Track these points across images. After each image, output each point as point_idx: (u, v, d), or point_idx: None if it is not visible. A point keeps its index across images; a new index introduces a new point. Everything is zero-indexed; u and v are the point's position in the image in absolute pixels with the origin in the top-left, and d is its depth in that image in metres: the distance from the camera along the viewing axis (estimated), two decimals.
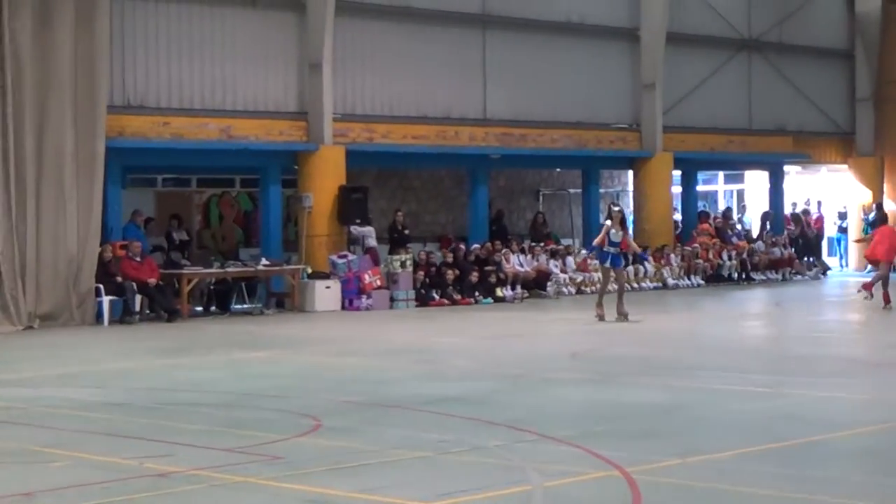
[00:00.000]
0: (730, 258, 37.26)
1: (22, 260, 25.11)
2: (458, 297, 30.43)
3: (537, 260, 33.08)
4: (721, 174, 44.86)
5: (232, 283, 29.17)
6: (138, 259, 26.74)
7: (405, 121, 32.07)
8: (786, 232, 40.38)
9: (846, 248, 43.63)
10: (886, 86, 42.84)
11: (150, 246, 28.63)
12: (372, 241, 30.60)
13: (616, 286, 25.57)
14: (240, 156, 29.79)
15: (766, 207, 41.68)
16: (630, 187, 39.00)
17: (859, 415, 14.00)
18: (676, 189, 39.02)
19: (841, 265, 43.41)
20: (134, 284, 26.34)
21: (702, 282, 35.95)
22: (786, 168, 41.72)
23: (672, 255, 35.59)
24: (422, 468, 11.14)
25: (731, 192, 45.84)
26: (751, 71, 40.22)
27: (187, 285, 27.34)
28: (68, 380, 17.66)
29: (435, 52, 32.68)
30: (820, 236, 41.97)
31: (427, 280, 30.40)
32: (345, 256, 29.68)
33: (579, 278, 33.29)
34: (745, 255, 37.59)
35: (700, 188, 41.72)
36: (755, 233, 40.56)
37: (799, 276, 38.63)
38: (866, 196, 42.75)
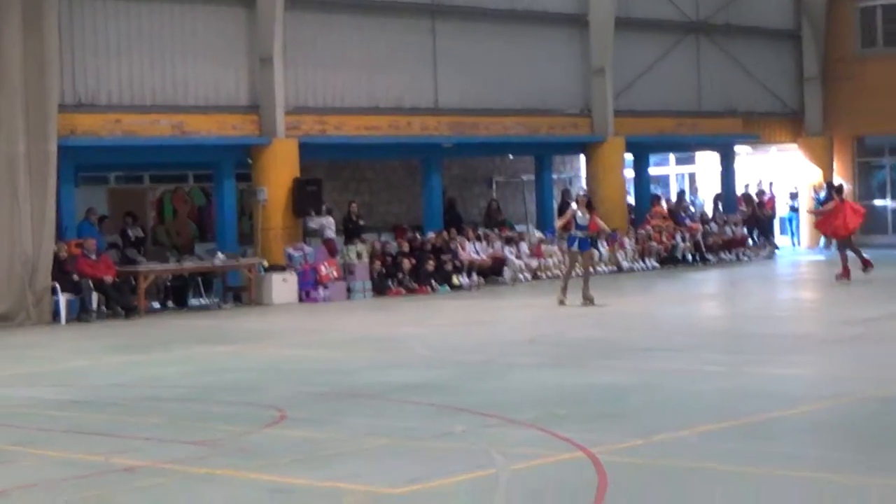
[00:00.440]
0: (683, 240, 37.32)
1: None
2: (414, 285, 30.44)
3: (492, 247, 33.11)
4: (672, 157, 44.94)
5: (188, 279, 29.09)
6: (94, 257, 26.63)
7: (357, 112, 32.00)
8: (740, 212, 40.62)
9: (797, 227, 43.92)
10: (833, 64, 43.05)
11: (106, 243, 28.50)
12: (331, 233, 30.63)
13: (581, 270, 25.66)
14: (193, 151, 29.74)
15: (718, 189, 41.88)
16: (583, 172, 39.04)
17: (813, 390, 14.21)
18: (629, 173, 39.09)
19: (793, 244, 43.68)
20: (90, 282, 26.23)
21: (656, 264, 35.96)
22: (736, 149, 41.79)
23: (626, 239, 35.72)
24: (388, 456, 11.21)
25: (683, 174, 45.93)
26: (699, 54, 40.31)
27: (144, 282, 27.25)
28: (29, 379, 17.62)
29: (385, 43, 32.60)
30: (772, 216, 42.20)
31: (383, 270, 30.38)
32: (301, 249, 29.69)
33: (535, 264, 33.41)
34: (698, 237, 37.63)
35: (652, 171, 41.74)
36: (709, 214, 40.75)
37: (751, 256, 38.82)
38: (817, 175, 43.00)
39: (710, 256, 37.53)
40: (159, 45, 28.79)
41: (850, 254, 29.26)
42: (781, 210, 43.82)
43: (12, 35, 25.28)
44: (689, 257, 37.14)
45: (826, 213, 30.18)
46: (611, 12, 36.49)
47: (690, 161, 45.17)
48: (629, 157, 38.65)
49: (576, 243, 25.48)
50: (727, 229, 38.84)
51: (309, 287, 29.09)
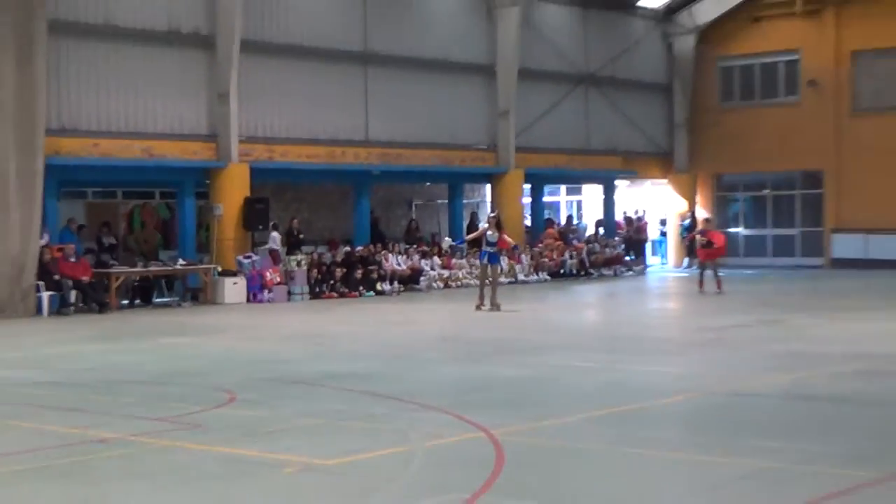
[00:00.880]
0: (571, 257, 37.42)
1: None
2: (345, 290, 30.41)
3: (411, 259, 33.14)
4: (563, 187, 44.98)
5: (153, 280, 28.89)
6: (73, 259, 26.40)
7: (300, 142, 31.90)
8: (618, 233, 40.86)
9: (666, 249, 44.26)
10: (698, 114, 43.47)
11: (83, 248, 28.22)
12: (276, 245, 30.57)
13: (491, 281, 25.68)
14: (159, 172, 29.50)
15: (601, 215, 42.08)
16: (488, 198, 39.10)
17: (674, 385, 14.25)
18: (527, 199, 39.26)
19: (662, 262, 44.04)
20: (70, 281, 26.00)
21: (548, 277, 36.09)
22: (616, 182, 41.95)
23: (523, 255, 35.88)
24: (321, 433, 11.22)
25: (572, 202, 45.93)
26: (587, 101, 40.50)
27: (115, 282, 27.06)
28: (16, 362, 17.42)
29: (325, 84, 32.54)
30: (645, 239, 42.48)
31: (319, 276, 30.28)
32: (249, 257, 29.57)
33: (446, 274, 33.51)
34: (583, 255, 37.74)
35: (546, 199, 41.86)
36: (592, 236, 40.78)
37: (627, 272, 39.10)
38: (683, 206, 43.44)
39: (592, 271, 37.66)
40: (132, 81, 28.59)
41: (709, 272, 29.65)
42: (653, 234, 44.09)
43: (7, 70, 25.02)
44: (575, 272, 37.30)
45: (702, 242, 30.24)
46: (514, 64, 36.67)
47: (578, 191, 45.20)
48: (527, 186, 38.76)
49: (486, 257, 25.61)
50: (607, 249, 39.05)
51: (256, 290, 29.00)
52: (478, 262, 27.61)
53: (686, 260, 40.58)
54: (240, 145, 30.15)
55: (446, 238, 35.29)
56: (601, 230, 40.75)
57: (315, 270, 30.32)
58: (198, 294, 28.91)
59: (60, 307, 25.88)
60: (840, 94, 41.09)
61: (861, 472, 9.21)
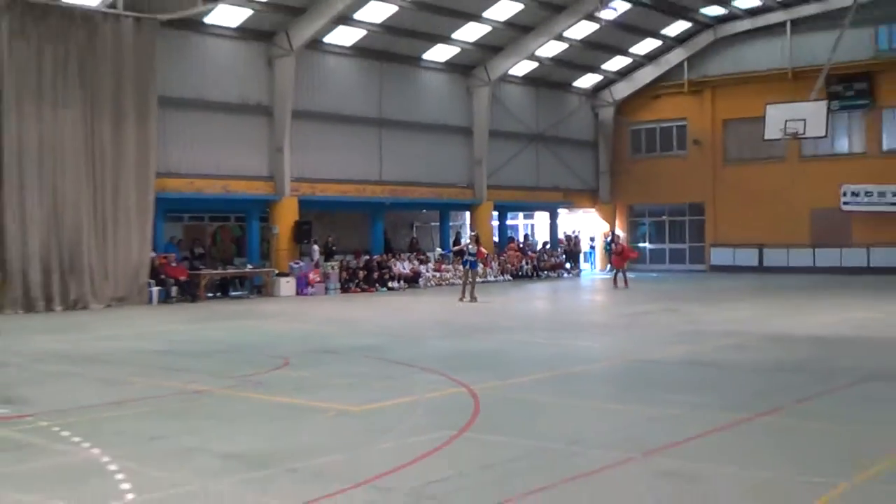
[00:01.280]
0: (527, 263, 37.64)
1: (105, 264, 24.70)
2: (366, 287, 30.43)
3: (413, 264, 33.22)
4: (521, 214, 45.08)
5: (230, 279, 28.89)
6: (174, 264, 26.45)
7: (334, 181, 31.94)
8: (560, 247, 40.94)
9: (594, 258, 44.34)
10: (616, 163, 43.58)
11: (181, 256, 28.21)
12: (316, 255, 30.56)
13: (471, 280, 25.71)
14: (234, 203, 29.50)
15: (547, 234, 42.07)
16: (468, 221, 39.11)
17: (600, 354, 14.28)
18: (495, 223, 39.34)
19: (591, 268, 44.09)
20: (171, 280, 26.03)
21: (510, 278, 36.26)
22: (559, 210, 42.09)
23: (493, 262, 35.93)
24: (351, 388, 11.22)
25: (528, 224, 46.00)
26: (538, 153, 40.54)
27: (203, 280, 27.08)
28: (134, 337, 17.44)
29: (352, 140, 32.55)
30: (579, 251, 42.54)
31: (347, 277, 30.32)
32: (298, 263, 29.60)
33: (438, 276, 33.55)
34: (536, 262, 38.03)
35: (509, 222, 42.01)
36: (541, 248, 40.88)
37: (567, 274, 39.22)
38: (606, 227, 43.57)
39: (542, 274, 37.81)
40: (215, 138, 28.60)
41: (621, 275, 30.01)
42: (585, 247, 44.12)
43: (129, 130, 25.04)
44: (530, 274, 37.38)
45: (616, 252, 31.15)
46: (486, 126, 36.75)
47: (531, 217, 45.20)
48: (496, 213, 38.84)
49: (467, 264, 25.68)
50: (552, 258, 39.13)
51: (302, 286, 28.99)
52: (461, 267, 27.65)
53: (608, 266, 40.62)
54: (291, 184, 30.13)
55: (438, 249, 35.35)
56: (548, 244, 40.75)
57: (344, 272, 30.31)
58: (261, 289, 28.85)
59: (165, 298, 25.86)
60: (715, 150, 41.23)
61: (735, 415, 9.30)
